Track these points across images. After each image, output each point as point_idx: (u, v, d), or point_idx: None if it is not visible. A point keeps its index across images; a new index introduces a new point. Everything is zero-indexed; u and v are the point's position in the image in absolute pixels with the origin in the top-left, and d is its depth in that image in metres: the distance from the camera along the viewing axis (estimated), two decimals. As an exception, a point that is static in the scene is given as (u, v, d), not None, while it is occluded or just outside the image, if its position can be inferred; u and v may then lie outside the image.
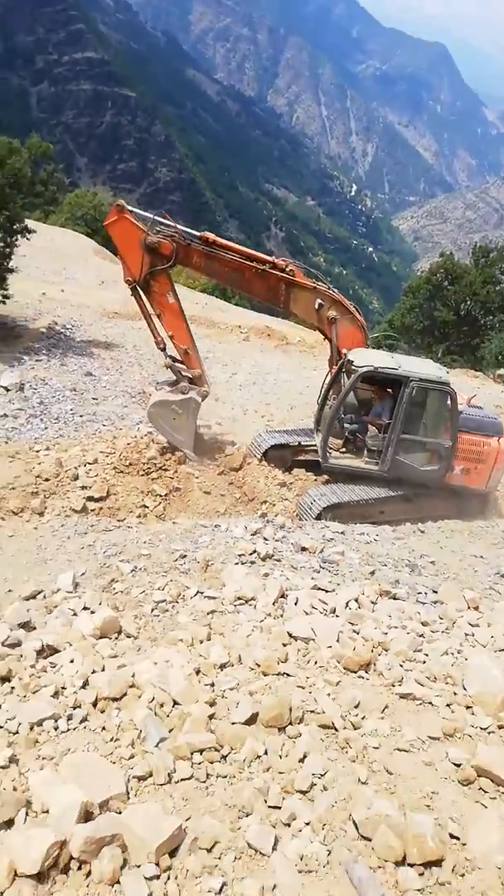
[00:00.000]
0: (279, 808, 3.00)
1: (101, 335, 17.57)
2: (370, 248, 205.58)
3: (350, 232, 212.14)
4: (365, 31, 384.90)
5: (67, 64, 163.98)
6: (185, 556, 6.95)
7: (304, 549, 7.58)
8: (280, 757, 3.34)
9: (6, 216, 14.17)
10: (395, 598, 5.94)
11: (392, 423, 9.18)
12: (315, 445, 10.66)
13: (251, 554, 7.09)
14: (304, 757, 3.29)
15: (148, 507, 9.55)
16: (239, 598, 5.72)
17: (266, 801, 3.02)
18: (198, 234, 9.41)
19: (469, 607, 5.69)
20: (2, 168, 13.62)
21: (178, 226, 9.35)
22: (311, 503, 9.48)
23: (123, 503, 9.52)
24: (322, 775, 3.17)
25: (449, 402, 9.12)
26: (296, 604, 5.66)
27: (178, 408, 9.78)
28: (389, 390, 9.62)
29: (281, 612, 5.48)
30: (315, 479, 10.66)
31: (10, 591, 5.99)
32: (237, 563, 6.72)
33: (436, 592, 6.10)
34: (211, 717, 3.60)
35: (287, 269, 9.43)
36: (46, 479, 9.46)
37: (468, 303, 25.45)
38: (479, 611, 5.62)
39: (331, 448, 9.78)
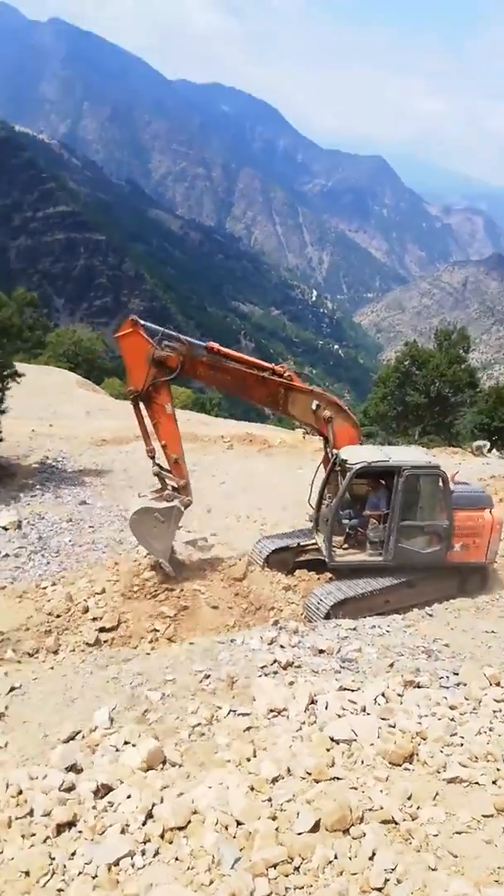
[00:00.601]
0: (359, 906, 3.21)
1: (92, 463, 18.22)
2: (336, 346, 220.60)
3: (315, 333, 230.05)
4: (308, 155, 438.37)
5: (41, 219, 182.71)
6: (208, 675, 7.14)
7: (321, 651, 7.82)
8: (350, 859, 3.55)
9: None
10: (419, 687, 6.20)
11: (390, 512, 9.71)
12: (315, 545, 11.08)
13: (272, 664, 7.32)
14: (374, 855, 3.52)
15: (159, 631, 9.70)
16: (272, 711, 5.94)
17: None
18: (204, 344, 9.93)
19: (490, 684, 5.97)
20: None
21: (185, 338, 9.85)
22: (318, 603, 9.73)
23: (134, 630, 9.68)
24: (393, 869, 3.39)
25: (441, 483, 9.78)
26: (326, 708, 5.89)
27: (160, 515, 9.83)
28: (382, 481, 10.20)
29: (314, 718, 5.70)
30: (318, 578, 11.00)
31: (45, 735, 6.09)
32: (261, 676, 6.94)
33: (457, 675, 6.37)
34: (276, 830, 3.80)
35: (285, 375, 10.14)
36: (58, 616, 9.65)
37: (437, 384, 27.03)
38: (502, 686, 5.90)
39: (334, 546, 10.13)
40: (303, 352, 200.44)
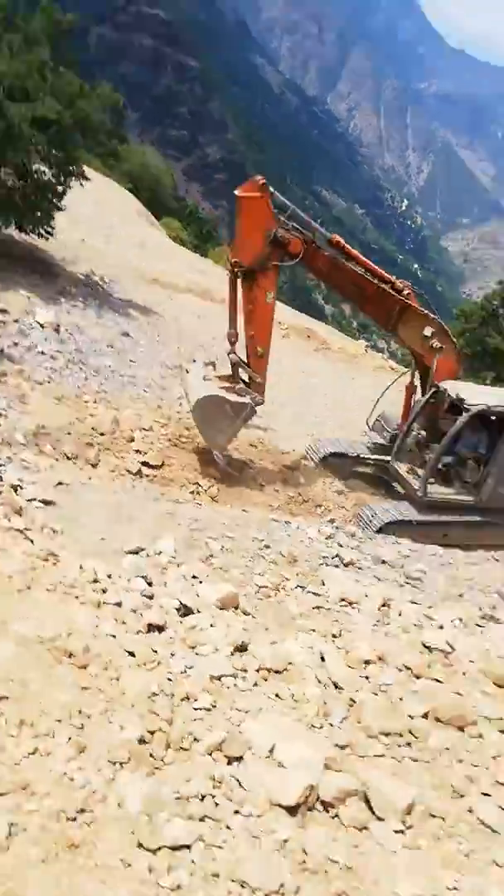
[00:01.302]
0: (490, 795, 3.33)
1: (140, 298, 17.80)
2: (415, 266, 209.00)
3: (397, 246, 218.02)
4: (432, 50, 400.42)
5: (133, 14, 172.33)
6: (268, 546, 7.25)
7: (383, 561, 7.94)
8: (468, 752, 3.67)
9: (64, 155, 14.50)
10: (498, 623, 6.31)
11: (494, 455, 9.75)
12: (377, 462, 11.19)
13: (334, 558, 7.44)
14: (497, 756, 3.63)
15: (202, 487, 9.80)
16: (343, 600, 6.03)
17: (478, 788, 3.35)
18: (328, 236, 9.34)
19: None
20: (71, 107, 13.92)
21: (315, 224, 9.28)
22: (373, 517, 9.81)
23: (177, 476, 9.78)
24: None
25: None
26: (399, 615, 5.99)
27: (231, 409, 9.49)
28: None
29: (388, 620, 5.80)
30: (372, 493, 11.10)
31: (103, 539, 6.17)
32: (325, 565, 7.05)
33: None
34: (389, 704, 3.90)
35: (404, 293, 9.74)
36: (102, 434, 9.71)
37: None
38: None
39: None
40: (378, 262, 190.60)
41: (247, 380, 9.91)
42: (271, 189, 8.93)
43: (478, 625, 6.08)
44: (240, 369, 9.95)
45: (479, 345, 26.71)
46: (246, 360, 9.87)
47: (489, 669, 4.64)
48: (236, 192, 9.02)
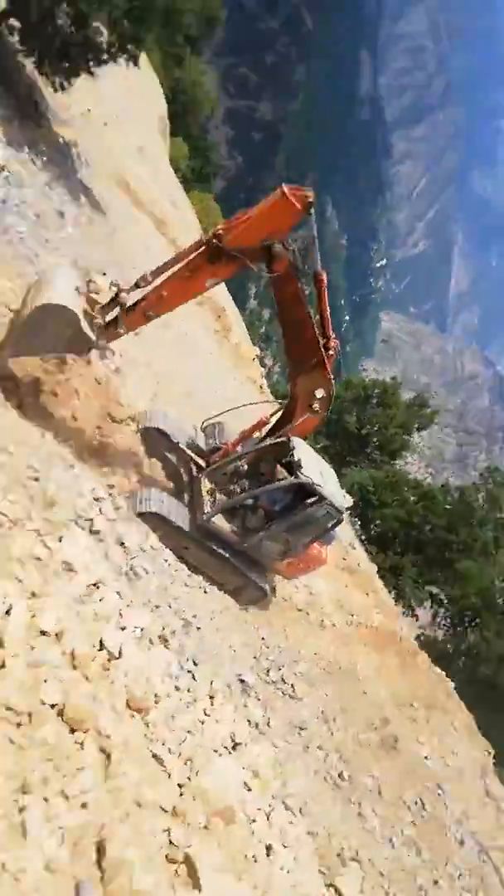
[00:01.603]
0: (48, 801, 3.50)
1: (100, 194, 16.56)
2: (347, 318, 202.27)
3: (346, 293, 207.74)
4: None
5: None
6: (38, 479, 6.94)
7: (122, 544, 8.01)
8: (66, 757, 3.82)
9: (133, 31, 13.16)
10: (167, 648, 6.64)
11: (282, 518, 9.98)
12: (187, 457, 11.21)
13: (87, 521, 7.33)
14: (82, 769, 3.83)
15: (19, 390, 9.24)
16: (65, 563, 5.95)
17: (44, 794, 3.50)
18: (318, 269, 8.81)
19: (209, 695, 6.60)
20: None
21: (318, 258, 8.72)
22: (143, 500, 9.77)
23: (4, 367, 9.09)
24: (86, 792, 3.73)
25: (331, 524, 10.28)
26: (101, 601, 6.07)
27: (72, 335, 8.09)
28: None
29: (85, 601, 5.84)
30: (163, 482, 11.18)
31: None
32: (77, 525, 6.92)
33: (196, 665, 6.92)
34: (29, 683, 3.95)
35: (329, 353, 9.49)
36: None
37: (374, 428, 27.95)
38: (213, 704, 6.55)
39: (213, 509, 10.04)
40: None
41: (108, 322, 8.67)
42: (312, 211, 8.21)
43: (151, 641, 6.34)
44: (115, 309, 8.60)
45: (335, 414, 28.06)
46: (127, 307, 8.60)
47: (130, 689, 4.90)
48: (284, 187, 8.09)
